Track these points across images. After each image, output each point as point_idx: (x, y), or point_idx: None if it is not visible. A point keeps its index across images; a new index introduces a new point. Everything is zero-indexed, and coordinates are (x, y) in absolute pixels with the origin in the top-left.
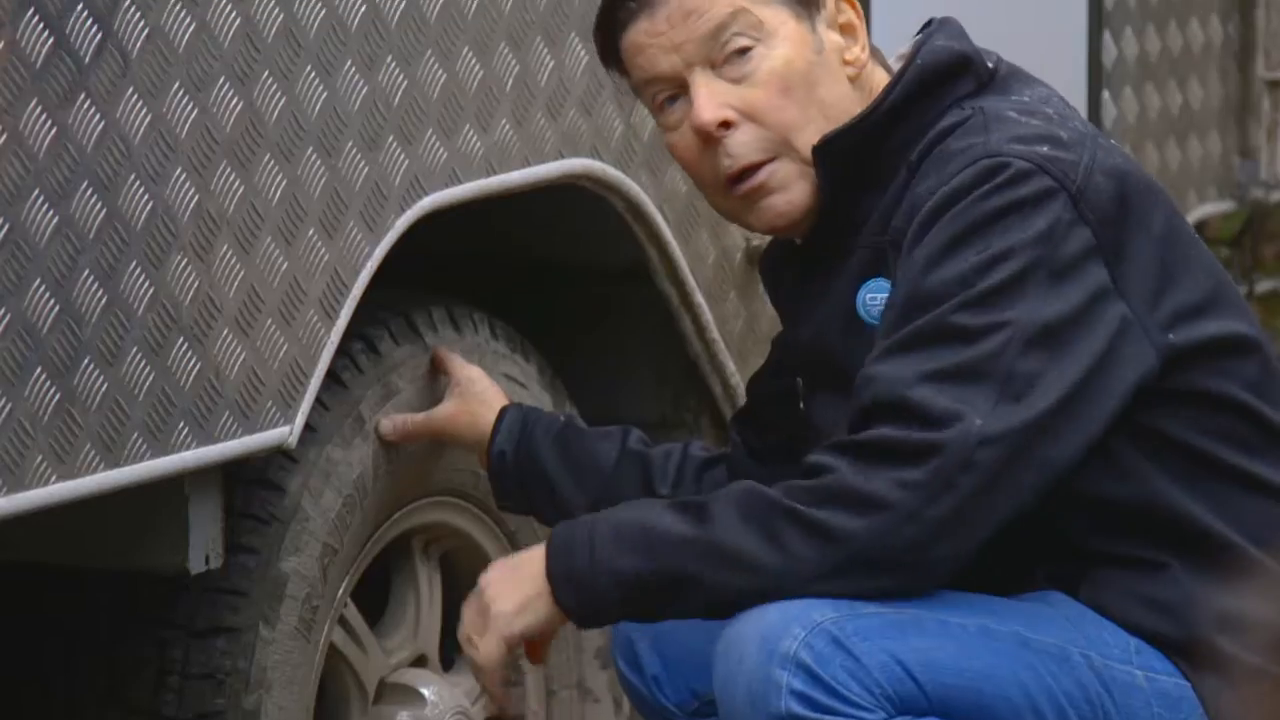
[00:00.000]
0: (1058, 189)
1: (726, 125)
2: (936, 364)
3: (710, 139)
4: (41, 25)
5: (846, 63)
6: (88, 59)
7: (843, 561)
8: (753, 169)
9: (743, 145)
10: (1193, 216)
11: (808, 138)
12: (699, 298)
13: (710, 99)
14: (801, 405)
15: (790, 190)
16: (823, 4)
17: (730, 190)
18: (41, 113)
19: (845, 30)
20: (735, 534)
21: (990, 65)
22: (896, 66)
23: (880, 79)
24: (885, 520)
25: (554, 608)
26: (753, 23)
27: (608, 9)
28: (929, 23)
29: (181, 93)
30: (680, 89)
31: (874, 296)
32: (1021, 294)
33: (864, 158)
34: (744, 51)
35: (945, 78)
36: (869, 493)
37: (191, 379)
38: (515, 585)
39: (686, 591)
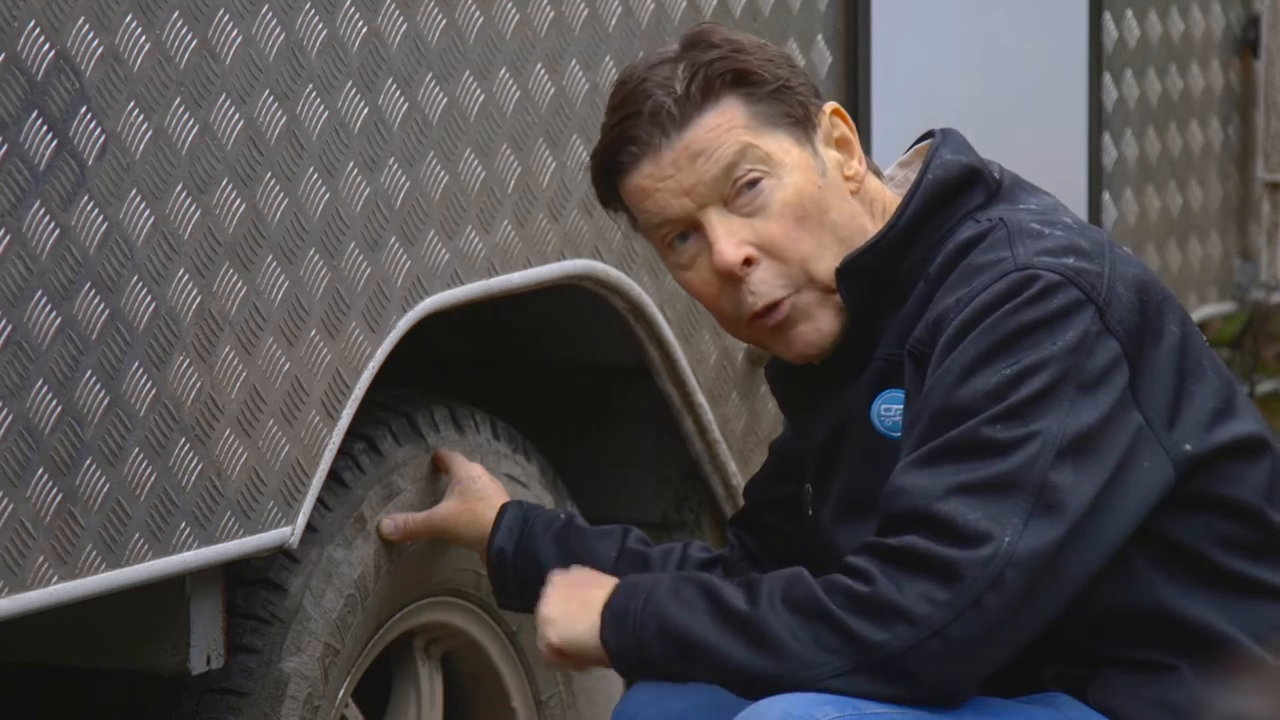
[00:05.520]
0: (1086, 301)
1: (749, 262)
2: (967, 477)
3: (733, 277)
4: (44, 127)
5: (847, 178)
6: (90, 160)
7: (862, 666)
8: (776, 303)
9: (765, 283)
10: (1194, 318)
11: (826, 265)
12: (700, 398)
13: (729, 238)
14: (810, 512)
15: (817, 318)
16: (818, 123)
17: (755, 323)
18: (44, 214)
19: (841, 145)
20: (773, 617)
21: (996, 176)
22: (898, 174)
23: (876, 189)
24: (910, 633)
25: (597, 639)
26: (760, 156)
27: (606, 154)
28: (929, 133)
29: (184, 194)
30: (691, 227)
31: (888, 407)
32: (1051, 406)
33: (884, 275)
34: (754, 183)
35: (958, 191)
36: (897, 604)
37: (193, 479)
38: (574, 604)
39: (716, 657)
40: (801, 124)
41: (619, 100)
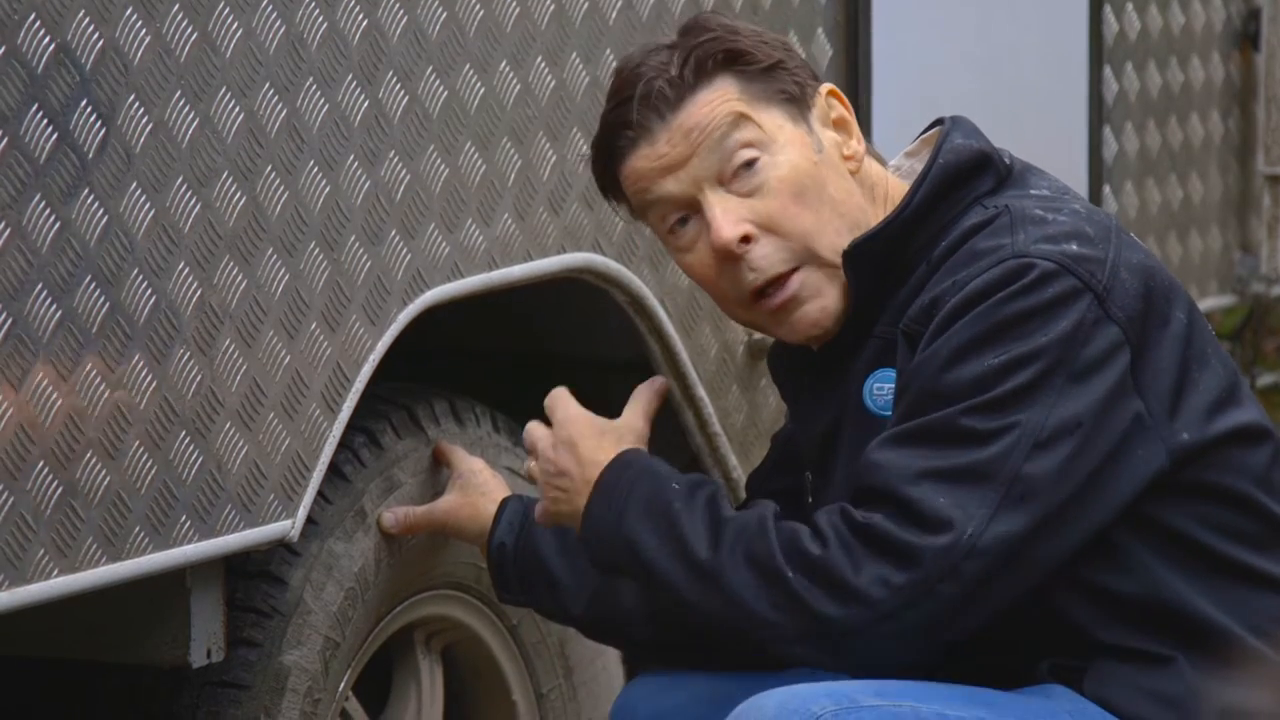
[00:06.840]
0: (1083, 289)
1: (747, 240)
2: (941, 463)
3: (731, 256)
4: (45, 120)
5: (846, 158)
6: (91, 153)
7: (810, 635)
8: (780, 280)
9: (765, 259)
10: None
11: (828, 240)
12: (701, 391)
13: (726, 215)
14: (810, 499)
15: (823, 296)
16: (813, 103)
17: (757, 305)
18: (45, 207)
19: (838, 126)
20: (730, 567)
21: (1006, 162)
22: (905, 164)
23: (879, 174)
24: (863, 615)
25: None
26: (754, 129)
27: (604, 140)
28: (939, 121)
29: (185, 187)
30: (690, 209)
31: (881, 386)
32: (1036, 398)
33: (890, 260)
34: (750, 164)
35: (968, 175)
36: (853, 585)
37: (193, 472)
38: (579, 468)
39: (667, 590)
40: (796, 102)
41: (615, 88)
